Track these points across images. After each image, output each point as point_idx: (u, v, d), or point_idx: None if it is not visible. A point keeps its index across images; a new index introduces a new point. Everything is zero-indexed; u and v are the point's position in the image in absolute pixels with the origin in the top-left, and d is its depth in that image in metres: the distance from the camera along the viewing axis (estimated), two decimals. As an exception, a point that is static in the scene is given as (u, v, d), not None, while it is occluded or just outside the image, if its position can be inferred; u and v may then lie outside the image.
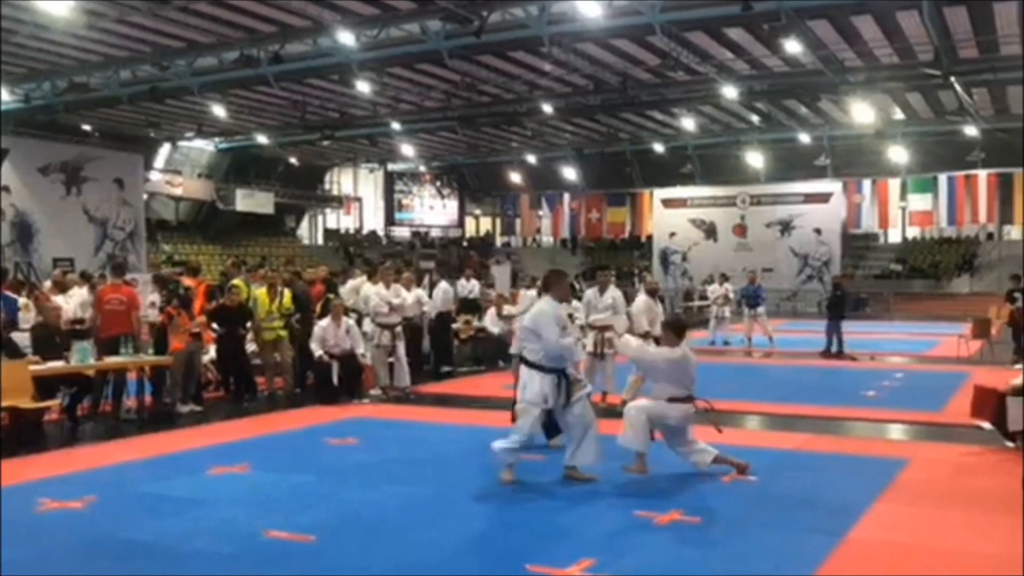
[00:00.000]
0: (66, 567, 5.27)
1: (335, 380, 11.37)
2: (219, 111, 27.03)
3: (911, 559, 5.40)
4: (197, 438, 9.18)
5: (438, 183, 42.57)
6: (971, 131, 28.91)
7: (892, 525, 6.08)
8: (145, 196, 31.83)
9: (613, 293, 11.36)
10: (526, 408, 7.16)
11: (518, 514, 6.43)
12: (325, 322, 11.62)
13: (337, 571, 5.18)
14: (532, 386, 7.14)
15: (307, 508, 6.48)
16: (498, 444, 7.19)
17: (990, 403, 8.51)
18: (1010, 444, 8.37)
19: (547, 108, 27.05)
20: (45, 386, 9.32)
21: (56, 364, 9.60)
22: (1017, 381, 8.37)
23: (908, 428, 9.88)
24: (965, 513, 6.36)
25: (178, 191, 35.21)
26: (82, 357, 9.65)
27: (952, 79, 22.20)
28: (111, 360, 10.15)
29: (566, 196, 40.40)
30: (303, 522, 6.07)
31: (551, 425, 8.36)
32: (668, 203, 38.01)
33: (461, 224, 44.13)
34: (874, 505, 6.50)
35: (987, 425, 8.94)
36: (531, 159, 37.85)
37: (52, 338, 10.21)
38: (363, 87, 23.83)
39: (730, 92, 24.39)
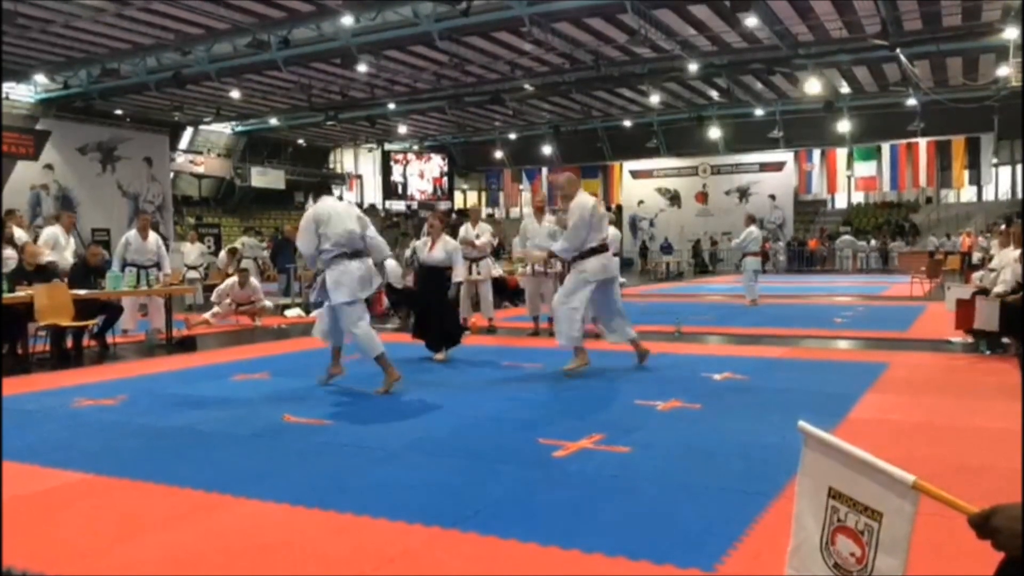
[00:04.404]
0: (100, 445, 4.78)
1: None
2: (235, 95, 26.46)
3: (914, 433, 4.92)
4: (222, 356, 8.65)
5: (429, 160, 41.84)
6: (912, 102, 28.49)
7: (888, 408, 5.61)
8: (171, 174, 31.35)
9: (549, 218, 10.65)
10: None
11: (524, 405, 5.88)
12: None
13: (357, 446, 4.66)
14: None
15: (324, 401, 5.98)
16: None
17: (974, 312, 8.06)
18: (988, 352, 7.94)
19: (527, 86, 26.47)
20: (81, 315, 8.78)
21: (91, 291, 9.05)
22: (998, 289, 7.94)
23: (881, 342, 9.37)
24: (958, 399, 5.88)
25: (200, 169, 34.81)
26: (114, 284, 9.07)
27: (898, 50, 21.69)
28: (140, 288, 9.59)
29: (544, 170, 39.80)
30: (320, 411, 5.58)
31: (433, 338, 8.01)
32: (636, 174, 37.51)
33: (450, 197, 43.51)
34: (865, 395, 6.03)
35: (959, 339, 8.55)
36: (512, 136, 37.28)
37: (87, 275, 9.63)
38: (362, 68, 23.25)
39: (692, 67, 23.82)
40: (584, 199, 7.12)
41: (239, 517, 3.44)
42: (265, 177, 36.43)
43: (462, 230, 10.79)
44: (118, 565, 2.95)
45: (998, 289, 7.94)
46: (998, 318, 7.56)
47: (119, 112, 28.98)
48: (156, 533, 3.25)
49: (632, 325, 7.57)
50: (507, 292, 14.42)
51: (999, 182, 32.75)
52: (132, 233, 10.71)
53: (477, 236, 10.58)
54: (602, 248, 7.08)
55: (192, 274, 16.32)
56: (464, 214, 32.85)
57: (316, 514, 3.41)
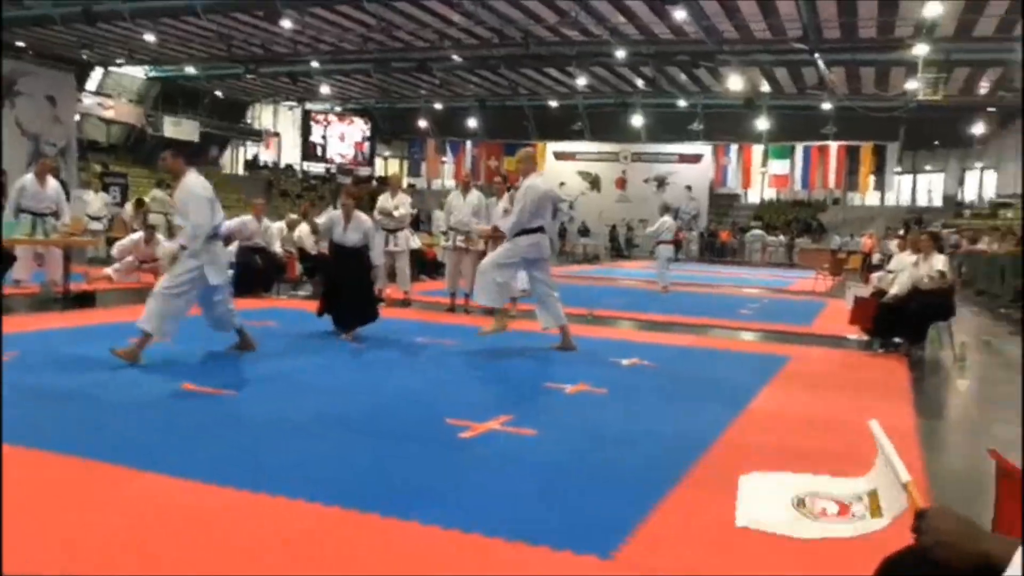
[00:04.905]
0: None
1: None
2: (149, 38, 25.34)
3: (811, 426, 5.09)
4: (121, 315, 8.29)
5: (351, 124, 41.02)
6: (827, 106, 29.41)
7: (787, 401, 5.78)
8: (77, 117, 29.75)
9: (475, 193, 10.51)
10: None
11: (432, 386, 5.85)
12: (248, 217, 10.84)
13: (258, 420, 4.54)
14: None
15: (224, 370, 5.82)
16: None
17: (868, 311, 8.43)
18: (881, 350, 8.30)
19: (455, 57, 26.20)
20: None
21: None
22: (894, 290, 8.30)
23: (784, 336, 9.61)
24: (854, 396, 6.05)
25: (110, 114, 33.22)
26: (8, 231, 8.62)
27: (816, 55, 22.31)
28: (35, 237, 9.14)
29: (468, 143, 39.61)
30: (221, 380, 5.41)
31: (343, 316, 7.68)
32: (559, 156, 37.66)
33: (371, 164, 42.81)
34: (766, 387, 6.20)
35: (855, 336, 8.91)
36: (438, 107, 36.94)
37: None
38: (286, 24, 22.53)
39: (620, 54, 23.98)
40: (537, 184, 7.29)
41: (143, 492, 3.29)
42: (179, 128, 34.98)
43: (381, 199, 10.59)
44: (9, 540, 2.78)
45: (893, 290, 8.33)
46: (888, 319, 7.96)
47: (20, 44, 27.32)
48: (50, 507, 3.08)
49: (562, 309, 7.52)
50: (425, 265, 14.33)
51: (900, 189, 34.34)
52: (29, 177, 10.17)
53: (396, 207, 10.38)
54: (538, 230, 7.25)
55: (95, 225, 15.66)
56: (385, 182, 32.56)
57: (215, 490, 3.31)
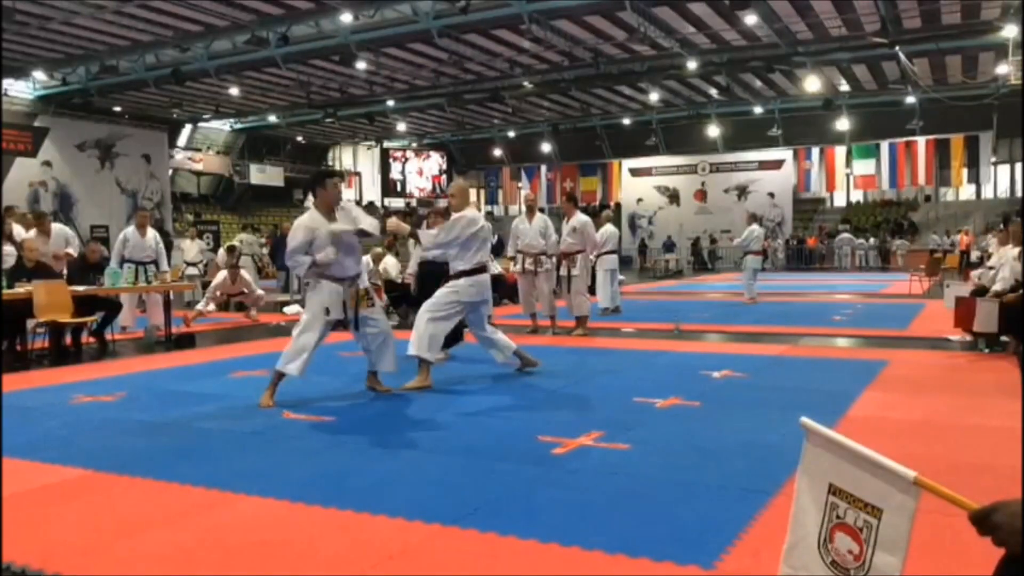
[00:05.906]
0: (99, 441, 4.78)
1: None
2: (234, 92, 26.43)
3: (913, 431, 4.92)
4: (221, 353, 8.64)
5: (428, 158, 41.78)
6: (911, 100, 28.48)
7: (887, 406, 5.60)
8: (170, 171, 31.44)
9: (541, 217, 10.34)
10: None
11: (523, 402, 5.89)
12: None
13: (357, 443, 4.67)
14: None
15: (323, 399, 5.97)
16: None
17: (973, 311, 8.08)
18: (987, 351, 7.93)
19: (526, 84, 26.42)
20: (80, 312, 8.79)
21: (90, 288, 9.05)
22: (997, 287, 7.95)
23: (880, 340, 9.32)
24: (957, 398, 5.85)
25: (199, 166, 34.83)
26: (113, 281, 9.07)
27: (897, 48, 21.66)
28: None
29: (543, 168, 39.78)
30: (319, 409, 5.58)
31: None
32: (635, 172, 37.47)
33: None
34: (865, 393, 6.02)
35: (957, 337, 8.56)
36: (511, 134, 37.25)
37: (86, 272, 9.65)
38: (361, 66, 23.15)
39: (691, 65, 23.76)
40: (474, 216, 6.67)
41: (239, 514, 3.44)
42: (264, 174, 36.59)
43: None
44: (117, 562, 2.94)
45: (996, 287, 7.97)
46: (997, 319, 7.56)
47: (118, 109, 28.93)
48: (156, 530, 3.25)
49: (507, 337, 7.10)
50: (505, 289, 14.39)
51: (998, 180, 32.76)
52: (130, 230, 10.73)
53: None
54: (481, 269, 6.73)
55: (191, 271, 16.35)
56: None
57: (316, 511, 3.41)
